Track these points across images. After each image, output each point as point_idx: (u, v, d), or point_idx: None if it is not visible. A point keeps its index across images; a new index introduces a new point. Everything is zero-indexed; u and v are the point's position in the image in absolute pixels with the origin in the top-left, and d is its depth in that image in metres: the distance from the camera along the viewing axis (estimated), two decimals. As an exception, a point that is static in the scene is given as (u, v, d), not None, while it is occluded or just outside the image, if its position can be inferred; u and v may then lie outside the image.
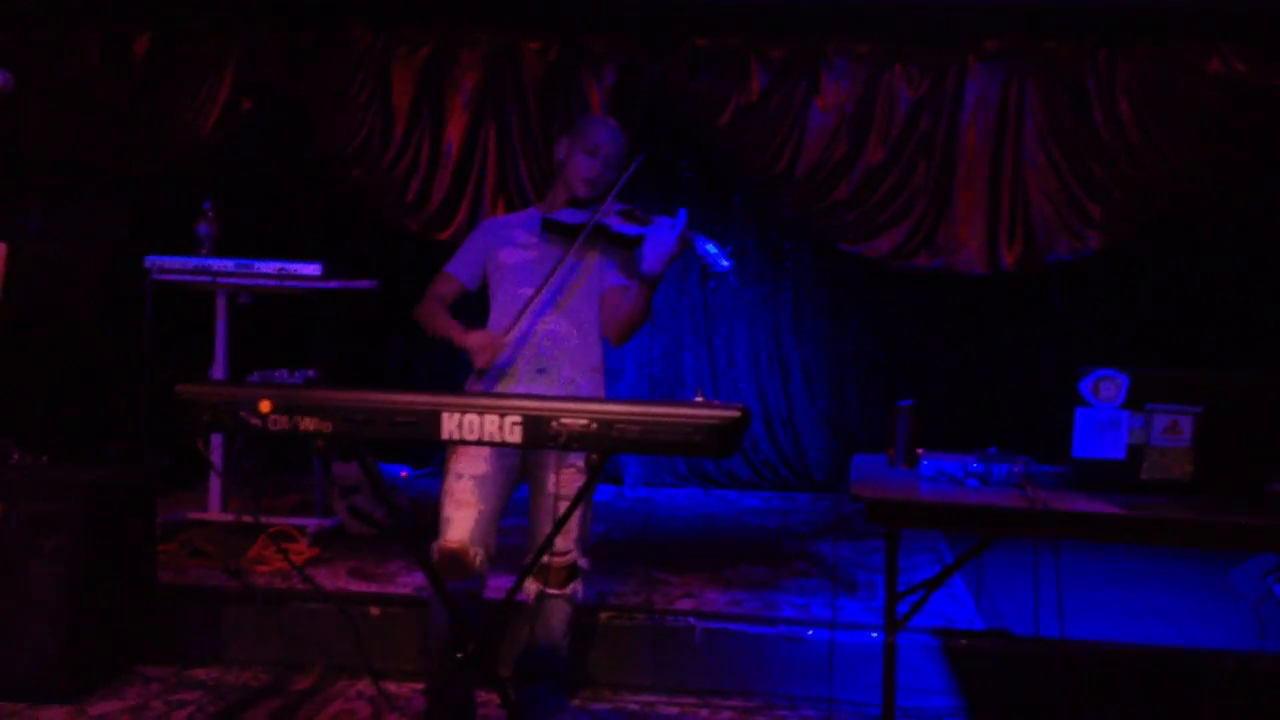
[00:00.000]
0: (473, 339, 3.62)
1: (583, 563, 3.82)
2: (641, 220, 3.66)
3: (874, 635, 4.16)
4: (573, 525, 3.73)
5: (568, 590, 3.79)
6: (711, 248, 3.57)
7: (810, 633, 4.31)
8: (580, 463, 3.62)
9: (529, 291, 3.66)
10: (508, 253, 3.78)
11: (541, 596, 3.76)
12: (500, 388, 3.68)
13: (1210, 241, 6.53)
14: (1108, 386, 3.28)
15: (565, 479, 3.68)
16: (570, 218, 3.70)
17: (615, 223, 3.67)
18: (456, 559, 3.54)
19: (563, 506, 3.59)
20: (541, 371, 3.69)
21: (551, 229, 3.71)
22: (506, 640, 4.10)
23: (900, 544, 3.46)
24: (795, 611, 4.54)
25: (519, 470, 3.75)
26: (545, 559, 3.68)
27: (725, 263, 3.58)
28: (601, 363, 3.82)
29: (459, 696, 3.70)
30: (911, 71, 6.57)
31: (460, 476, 3.62)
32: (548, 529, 3.60)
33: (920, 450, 3.64)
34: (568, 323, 3.73)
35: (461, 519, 3.57)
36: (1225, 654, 4.17)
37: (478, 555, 3.56)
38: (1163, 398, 3.26)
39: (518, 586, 3.09)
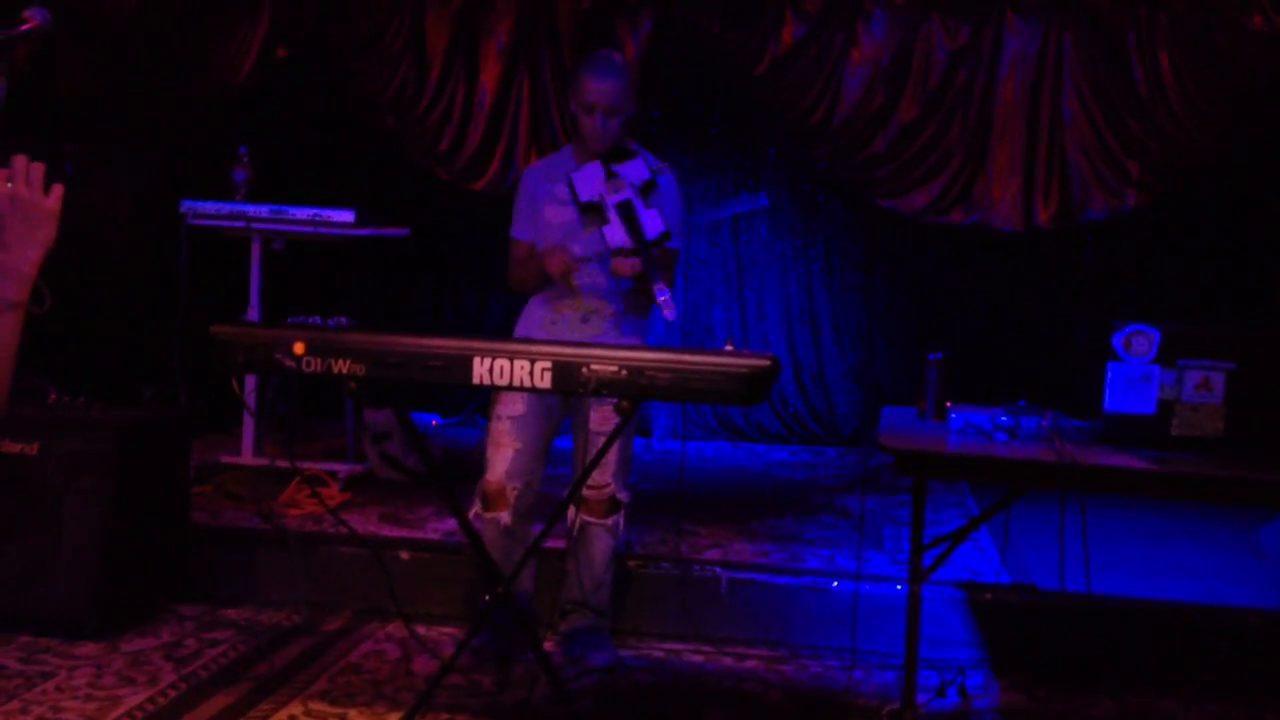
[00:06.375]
0: (546, 250, 3.82)
1: (623, 496, 3.95)
2: (633, 226, 3.76)
3: (899, 587, 4.16)
4: (610, 460, 3.83)
5: (609, 521, 3.92)
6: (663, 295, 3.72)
7: (835, 584, 4.33)
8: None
9: (577, 249, 3.86)
10: (551, 210, 3.96)
11: (583, 526, 3.90)
12: (550, 335, 3.85)
13: (1245, 198, 6.44)
14: (1140, 341, 3.27)
15: (601, 416, 3.87)
16: (586, 189, 3.85)
17: (612, 220, 3.79)
18: (494, 495, 3.87)
19: (598, 442, 3.74)
20: (586, 320, 3.92)
21: (573, 195, 3.89)
22: (555, 584, 4.17)
23: (927, 498, 3.47)
24: (821, 563, 4.56)
25: (561, 407, 3.96)
26: (585, 492, 3.85)
27: (671, 312, 3.70)
28: (639, 299, 3.93)
29: (499, 633, 3.91)
30: (949, 24, 6.49)
31: (499, 419, 3.89)
32: (586, 463, 3.79)
33: (949, 403, 3.64)
34: (603, 273, 3.90)
35: (499, 459, 3.87)
36: (1251, 611, 4.17)
37: (514, 490, 3.86)
38: (1195, 353, 3.25)
39: (559, 513, 3.33)
